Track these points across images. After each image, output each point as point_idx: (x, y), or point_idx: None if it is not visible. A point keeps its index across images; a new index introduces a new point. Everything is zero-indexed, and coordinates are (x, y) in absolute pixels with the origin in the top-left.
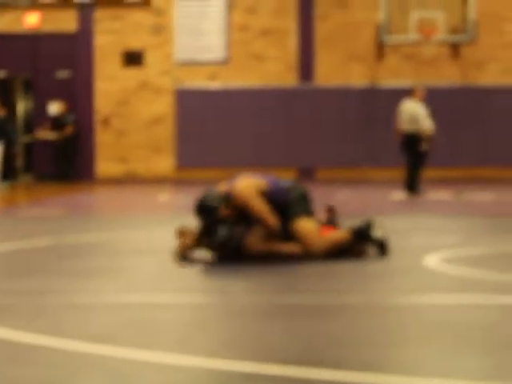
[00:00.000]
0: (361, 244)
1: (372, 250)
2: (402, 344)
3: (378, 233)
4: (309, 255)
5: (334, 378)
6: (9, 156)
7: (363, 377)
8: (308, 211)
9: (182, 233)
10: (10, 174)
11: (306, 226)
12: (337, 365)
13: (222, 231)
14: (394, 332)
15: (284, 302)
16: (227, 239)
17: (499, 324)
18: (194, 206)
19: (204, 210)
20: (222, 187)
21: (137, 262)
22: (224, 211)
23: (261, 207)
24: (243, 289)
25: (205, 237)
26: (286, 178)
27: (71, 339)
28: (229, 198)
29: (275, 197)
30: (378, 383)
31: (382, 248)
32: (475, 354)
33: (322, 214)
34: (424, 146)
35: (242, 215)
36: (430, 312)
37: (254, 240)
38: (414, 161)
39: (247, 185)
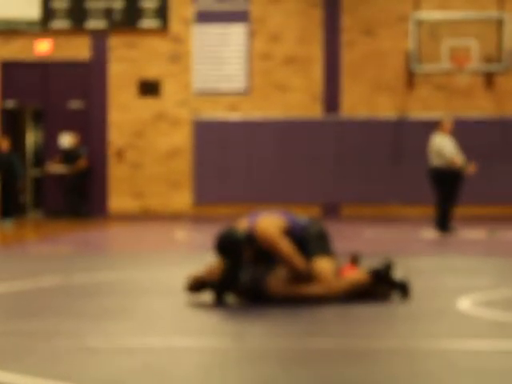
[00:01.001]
0: (382, 286)
1: (394, 293)
2: None
3: (397, 274)
4: (329, 297)
5: None
6: (14, 192)
7: None
8: (326, 250)
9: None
10: (16, 210)
11: (323, 266)
12: None
13: (245, 277)
14: (422, 379)
15: (306, 346)
16: (251, 285)
17: None
18: (216, 243)
19: (229, 246)
20: (242, 224)
21: (151, 303)
22: (247, 250)
23: (288, 249)
24: (262, 332)
25: (228, 278)
26: (302, 215)
27: None
28: (251, 237)
29: (293, 234)
30: None
31: (403, 291)
32: None
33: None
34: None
35: (262, 254)
36: (460, 358)
37: (277, 283)
38: (444, 197)
39: (270, 224)
